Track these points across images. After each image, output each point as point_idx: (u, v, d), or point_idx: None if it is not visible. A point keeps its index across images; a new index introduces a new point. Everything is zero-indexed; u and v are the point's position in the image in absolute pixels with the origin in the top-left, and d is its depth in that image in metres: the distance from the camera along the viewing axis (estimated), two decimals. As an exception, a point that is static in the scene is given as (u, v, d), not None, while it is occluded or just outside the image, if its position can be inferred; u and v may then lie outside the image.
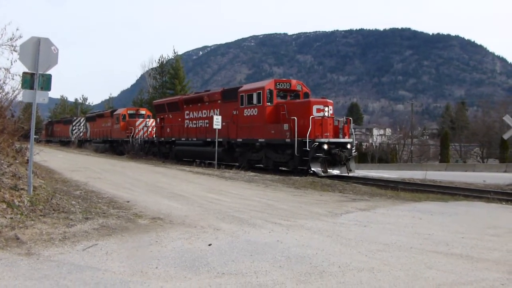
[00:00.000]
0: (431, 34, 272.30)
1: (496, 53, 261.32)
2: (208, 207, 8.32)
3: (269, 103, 17.62)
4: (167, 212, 7.64)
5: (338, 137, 16.83)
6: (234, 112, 19.39)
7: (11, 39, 10.50)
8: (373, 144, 67.89)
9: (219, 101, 20.96)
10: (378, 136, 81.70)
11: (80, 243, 5.36)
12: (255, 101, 18.06)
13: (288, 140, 16.25)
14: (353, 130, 17.77)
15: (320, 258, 4.91)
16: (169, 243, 5.50)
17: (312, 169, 15.53)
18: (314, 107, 16.20)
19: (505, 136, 19.73)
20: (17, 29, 10.92)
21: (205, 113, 22.12)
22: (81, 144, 42.27)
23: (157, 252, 5.08)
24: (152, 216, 7.18)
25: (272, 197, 10.25)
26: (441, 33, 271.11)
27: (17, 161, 10.02)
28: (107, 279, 4.11)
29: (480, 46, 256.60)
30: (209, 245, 5.44)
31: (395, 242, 5.78)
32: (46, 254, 4.86)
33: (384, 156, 58.46)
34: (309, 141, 15.41)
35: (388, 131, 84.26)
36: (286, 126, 16.41)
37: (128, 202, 8.58)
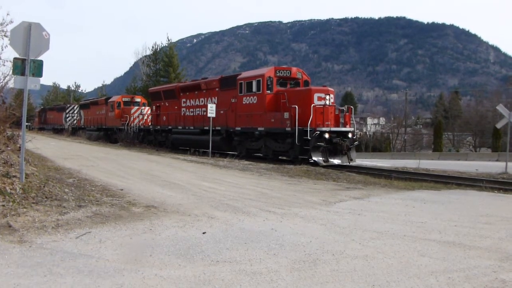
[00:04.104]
0: (425, 23, 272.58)
1: (490, 43, 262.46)
2: (202, 195, 8.31)
3: (269, 91, 17.32)
4: (161, 200, 7.62)
5: (339, 126, 16.64)
6: (233, 100, 19.15)
7: (1, 24, 10.29)
8: (367, 133, 68.07)
9: (217, 89, 20.68)
10: (372, 125, 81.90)
11: (73, 231, 5.33)
12: (254, 89, 17.74)
13: (288, 129, 16.01)
14: (354, 119, 17.56)
15: (314, 246, 4.92)
16: (163, 231, 5.49)
17: (313, 158, 15.33)
18: (315, 95, 15.94)
19: (498, 125, 19.87)
20: (7, 14, 10.72)
21: (202, 101, 21.81)
22: (75, 131, 41.92)
23: (151, 240, 5.07)
24: (146, 204, 7.15)
25: (267, 185, 10.26)
26: (435, 22, 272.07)
27: (9, 148, 9.91)
28: (101, 267, 4.10)
29: (474, 35, 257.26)
30: (204, 233, 5.43)
31: (389, 230, 5.81)
32: (39, 242, 4.83)
33: (378, 145, 58.76)
34: (310, 130, 15.20)
35: (382, 120, 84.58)
36: (286, 115, 16.17)
37: (121, 190, 8.55)
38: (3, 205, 6.08)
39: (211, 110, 18.81)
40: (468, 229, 5.93)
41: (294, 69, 18.28)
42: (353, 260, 4.43)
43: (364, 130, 67.96)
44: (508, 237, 5.58)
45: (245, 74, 19.34)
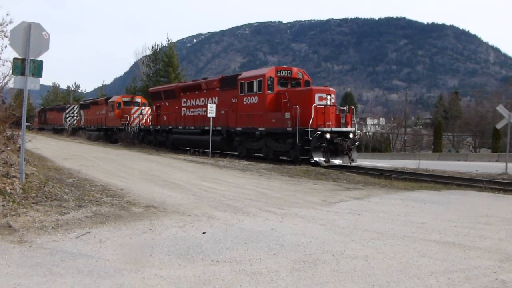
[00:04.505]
0: (425, 23, 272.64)
1: (490, 43, 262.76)
2: (202, 195, 8.31)
3: (269, 91, 17.25)
4: (161, 200, 7.62)
5: (340, 126, 16.58)
6: (233, 100, 19.09)
7: (1, 24, 10.29)
8: (367, 133, 68.07)
9: (217, 89, 20.61)
10: (372, 125, 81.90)
11: (73, 231, 5.33)
12: (255, 89, 17.66)
13: (289, 129, 15.94)
14: (355, 120, 17.45)
15: (314, 246, 4.92)
16: (163, 231, 5.49)
17: (314, 158, 15.25)
18: (316, 96, 15.89)
19: (498, 126, 19.87)
20: (7, 14, 10.73)
21: (203, 101, 21.70)
22: (75, 132, 41.89)
23: (151, 240, 5.07)
24: (146, 204, 7.15)
25: (266, 185, 10.25)
26: (435, 22, 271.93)
27: (9, 149, 9.91)
28: (101, 267, 4.10)
29: (474, 36, 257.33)
30: (204, 233, 5.43)
31: (389, 230, 5.81)
32: (39, 242, 4.83)
33: (378, 145, 58.74)
34: (311, 130, 15.14)
35: (382, 120, 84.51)
36: (287, 115, 16.10)
37: (121, 190, 8.55)
38: (3, 205, 6.08)
39: (211, 110, 18.81)
40: (468, 230, 5.93)
41: (295, 69, 18.20)
42: (353, 261, 4.43)
43: (364, 131, 67.95)
44: (508, 237, 5.58)
45: (246, 74, 19.28)
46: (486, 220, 6.71)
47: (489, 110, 50.47)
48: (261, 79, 17.44)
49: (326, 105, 15.90)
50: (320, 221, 6.28)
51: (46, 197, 6.95)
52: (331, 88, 16.87)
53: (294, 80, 17.97)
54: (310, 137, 15.15)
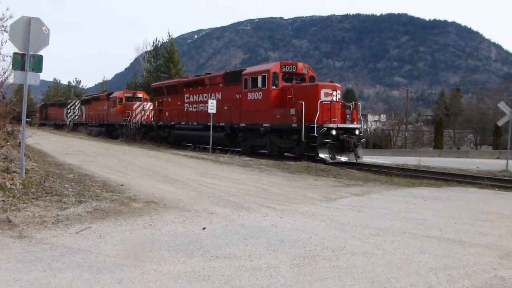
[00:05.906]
0: (427, 20, 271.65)
1: (492, 40, 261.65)
2: (202, 191, 8.31)
3: (274, 87, 17.06)
4: (161, 195, 7.62)
5: (345, 123, 16.36)
6: (237, 96, 18.95)
7: (1, 19, 10.26)
8: (368, 130, 67.95)
9: (220, 84, 20.44)
10: (373, 122, 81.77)
11: (73, 226, 5.34)
12: (259, 84, 17.48)
13: (294, 125, 15.75)
14: (361, 116, 17.19)
15: (314, 242, 4.92)
16: (163, 226, 5.49)
17: (320, 155, 15.00)
18: (322, 91, 15.68)
19: (499, 123, 19.83)
20: (7, 9, 10.71)
21: (206, 97, 21.50)
22: (76, 127, 41.85)
23: (151, 235, 5.07)
24: (146, 200, 7.15)
25: (267, 181, 10.25)
26: (437, 19, 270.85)
27: (9, 144, 9.90)
28: (100, 262, 4.10)
29: (476, 33, 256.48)
30: (203, 228, 5.43)
31: (389, 226, 5.81)
32: (39, 237, 4.83)
33: (379, 142, 58.63)
34: (317, 126, 14.96)
35: (383, 117, 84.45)
36: (292, 111, 15.91)
37: (122, 185, 8.55)
38: (3, 200, 6.08)
39: (212, 106, 18.75)
40: (468, 226, 5.92)
41: (300, 64, 17.97)
42: (353, 257, 4.43)
43: (365, 127, 67.77)
44: (508, 234, 5.58)
45: (250, 69, 19.07)
46: (486, 216, 6.70)
47: (491, 107, 50.36)
48: (266, 74, 17.26)
49: (332, 101, 15.69)
50: (320, 217, 6.28)
51: (46, 192, 6.95)
52: (337, 84, 16.61)
53: (299, 75, 17.77)
54: (315, 134, 14.96)
